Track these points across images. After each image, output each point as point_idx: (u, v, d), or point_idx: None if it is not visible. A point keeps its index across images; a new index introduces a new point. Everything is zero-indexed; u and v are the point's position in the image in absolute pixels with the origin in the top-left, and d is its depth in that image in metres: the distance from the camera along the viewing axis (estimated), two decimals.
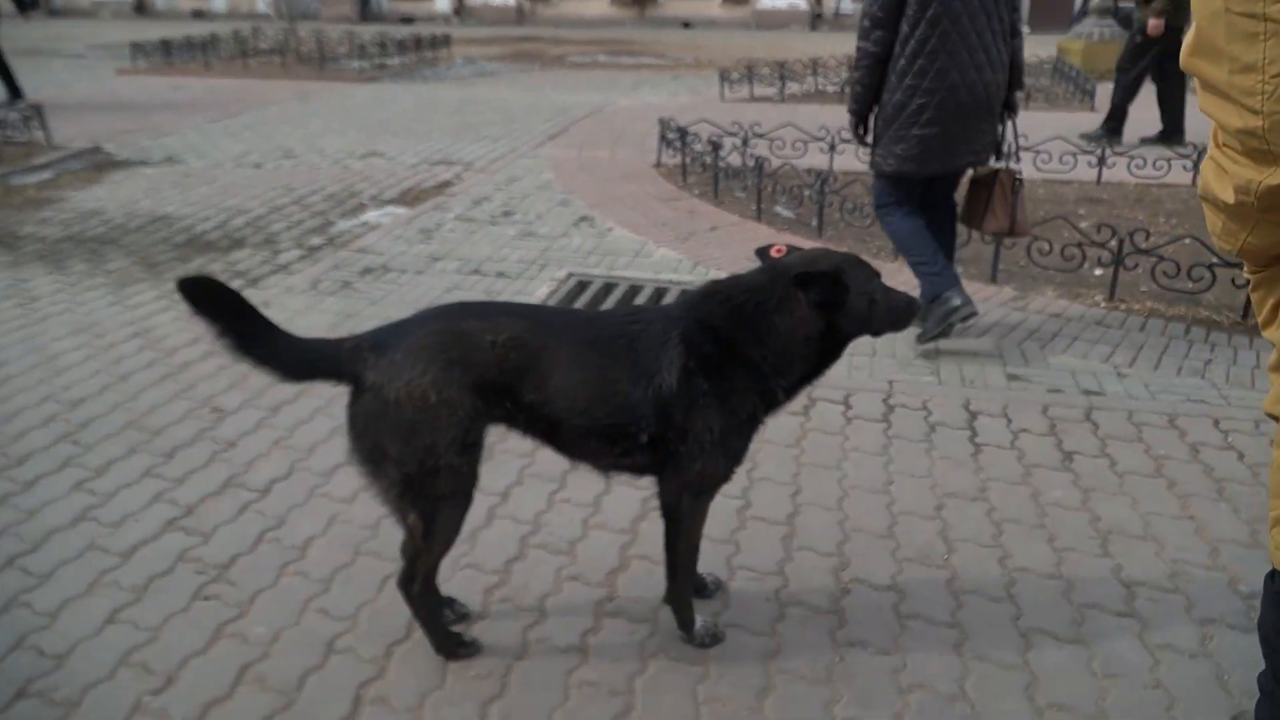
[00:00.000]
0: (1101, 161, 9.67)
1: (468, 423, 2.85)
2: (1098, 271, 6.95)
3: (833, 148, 9.95)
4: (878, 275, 2.99)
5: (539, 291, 6.72)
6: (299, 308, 6.44)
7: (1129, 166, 9.73)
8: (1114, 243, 6.47)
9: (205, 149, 11.75)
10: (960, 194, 5.82)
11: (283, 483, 4.27)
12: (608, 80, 19.55)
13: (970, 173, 5.66)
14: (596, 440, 3.02)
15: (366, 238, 8.04)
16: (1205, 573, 3.63)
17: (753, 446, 3.09)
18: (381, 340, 2.88)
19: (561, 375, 2.91)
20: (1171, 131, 11.61)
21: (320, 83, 18.15)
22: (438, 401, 2.80)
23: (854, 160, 10.01)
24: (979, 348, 5.76)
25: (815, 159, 10.08)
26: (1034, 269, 6.94)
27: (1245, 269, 2.09)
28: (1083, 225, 7.83)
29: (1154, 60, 11.35)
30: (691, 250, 7.61)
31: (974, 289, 6.70)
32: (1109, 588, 3.55)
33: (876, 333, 3.04)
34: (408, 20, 32.60)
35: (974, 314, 5.42)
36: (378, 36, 21.94)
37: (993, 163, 5.59)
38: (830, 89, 16.46)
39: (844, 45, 21.66)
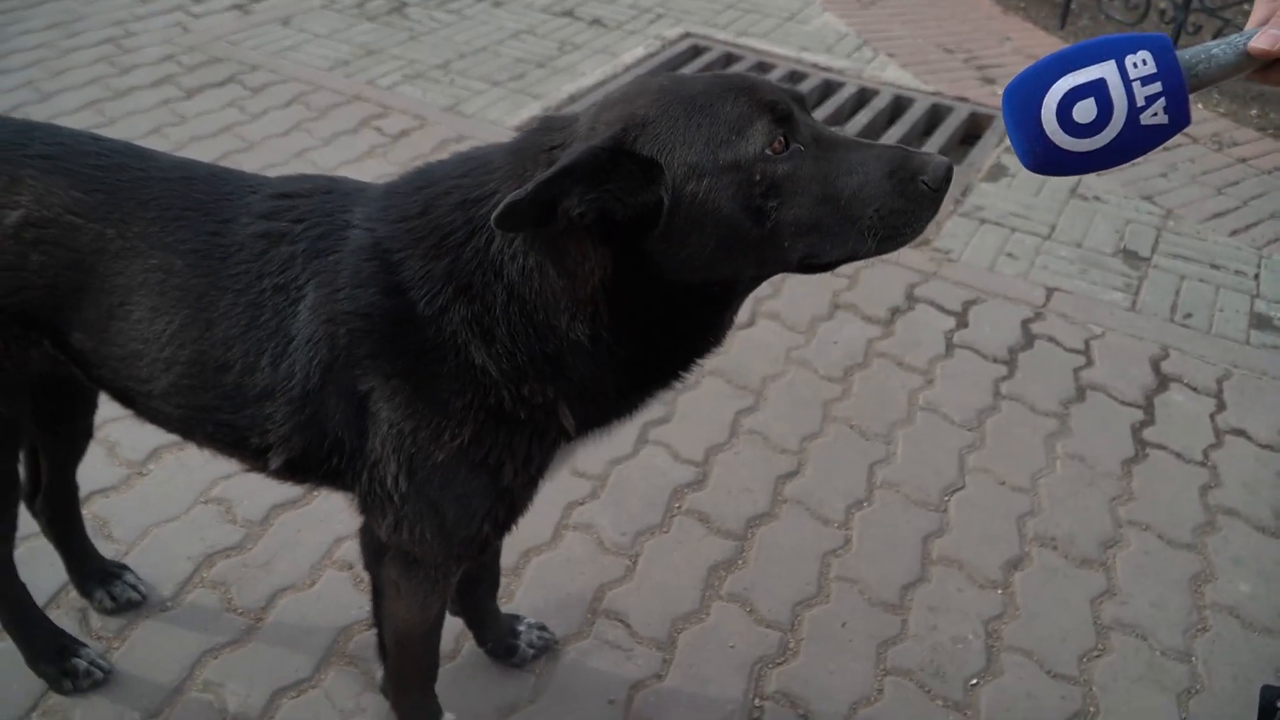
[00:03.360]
0: None
1: None
2: None
3: None
4: (783, 107, 1.20)
5: (630, 54, 4.95)
6: (322, 31, 5.02)
7: None
8: None
9: None
10: None
11: None
12: None
13: None
14: (205, 438, 1.56)
15: None
16: None
17: None
18: None
19: (132, 314, 1.46)
20: None
21: None
22: None
23: None
24: (1217, 254, 3.63)
25: None
26: None
27: None
28: None
29: None
30: (866, 23, 5.49)
31: (1217, 123, 4.36)
32: None
33: (813, 263, 1.24)
34: None
35: None
36: None
37: None
38: None
39: None
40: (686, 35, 5.25)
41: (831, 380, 2.96)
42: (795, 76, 4.90)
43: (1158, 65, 1.05)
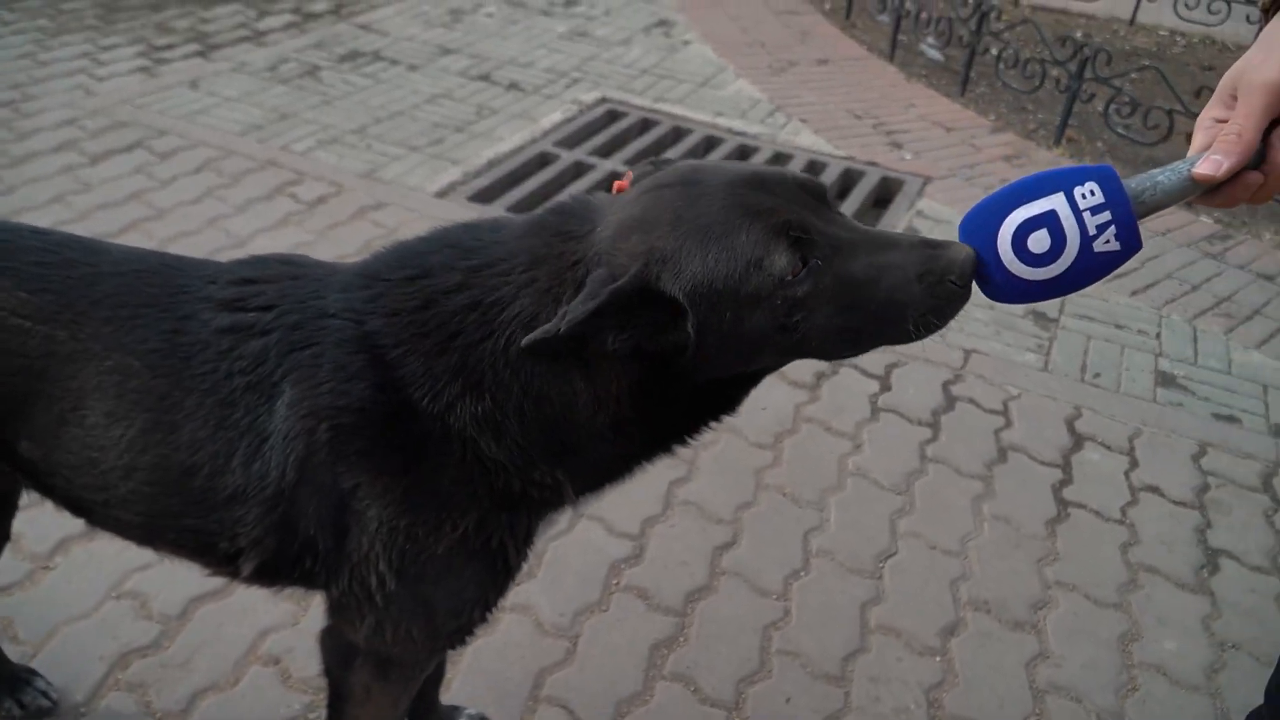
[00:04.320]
0: None
1: None
2: None
3: None
4: (796, 229, 1.17)
5: (548, 118, 4.98)
6: (232, 94, 4.93)
7: None
8: None
9: None
10: None
11: None
12: None
13: None
14: (169, 545, 1.48)
15: (381, 10, 6.35)
16: None
17: None
18: None
19: (86, 419, 1.37)
20: None
21: None
22: None
23: None
24: (1120, 315, 3.78)
25: None
26: None
27: None
28: None
29: None
30: (778, 90, 5.63)
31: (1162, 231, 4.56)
32: None
33: (846, 355, 1.30)
34: None
35: None
36: None
37: None
38: None
39: None
40: (603, 100, 5.31)
41: (762, 447, 2.97)
42: (712, 142, 4.99)
43: (1105, 195, 1.10)
